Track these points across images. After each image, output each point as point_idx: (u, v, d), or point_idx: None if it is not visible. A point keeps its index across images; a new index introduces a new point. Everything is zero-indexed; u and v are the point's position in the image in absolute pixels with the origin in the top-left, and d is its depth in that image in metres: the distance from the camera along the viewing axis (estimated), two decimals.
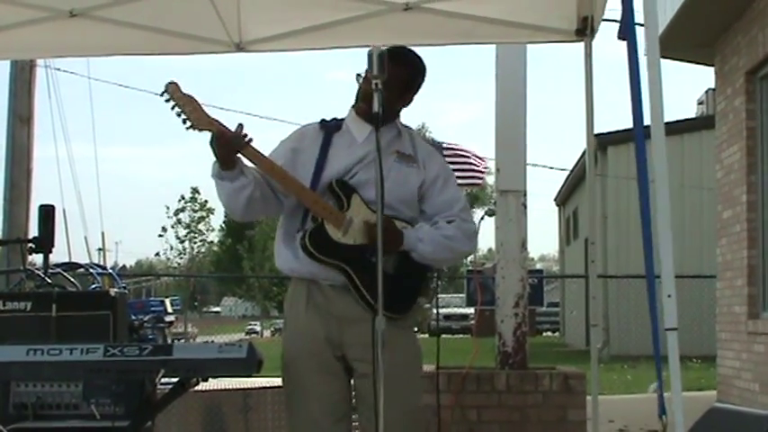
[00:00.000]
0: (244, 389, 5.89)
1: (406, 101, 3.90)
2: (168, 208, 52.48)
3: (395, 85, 3.67)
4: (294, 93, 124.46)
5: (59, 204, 5.97)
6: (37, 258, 4.79)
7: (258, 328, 50.51)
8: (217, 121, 3.70)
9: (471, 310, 23.73)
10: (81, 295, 4.41)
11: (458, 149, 8.16)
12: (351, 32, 5.31)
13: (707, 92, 25.41)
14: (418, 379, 3.90)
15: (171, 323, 6.28)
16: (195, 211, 53.14)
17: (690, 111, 33.78)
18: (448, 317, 33.25)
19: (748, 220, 9.37)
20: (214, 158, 3.70)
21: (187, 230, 52.01)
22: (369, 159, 3.71)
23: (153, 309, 6.42)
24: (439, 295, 3.94)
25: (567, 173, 28.95)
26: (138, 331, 4.58)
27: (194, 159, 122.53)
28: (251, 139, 3.68)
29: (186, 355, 3.24)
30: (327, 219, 3.70)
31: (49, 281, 4.52)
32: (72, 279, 4.71)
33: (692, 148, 21.85)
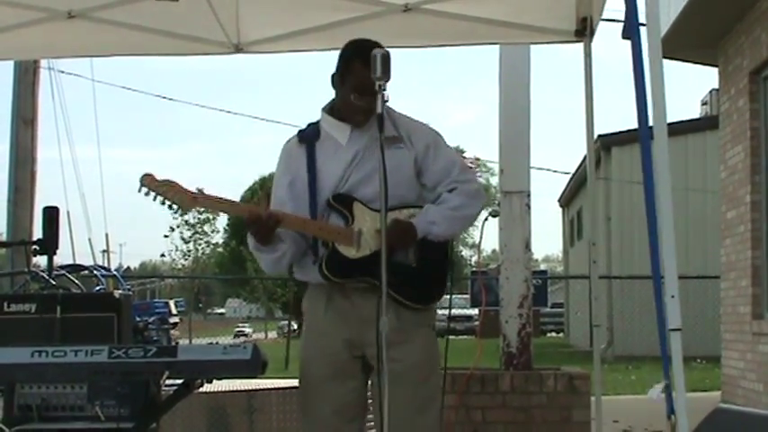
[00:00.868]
0: (248, 390, 5.90)
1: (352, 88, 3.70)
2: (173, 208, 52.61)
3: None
4: (294, 94, 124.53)
5: (63, 206, 5.99)
6: (41, 260, 4.80)
7: (248, 330, 49.63)
8: (201, 194, 3.64)
9: (475, 311, 23.71)
10: (85, 297, 4.41)
11: None
12: (350, 34, 5.28)
13: (710, 92, 25.40)
14: (437, 377, 3.89)
15: (175, 324, 6.27)
16: (200, 213, 53.21)
17: (694, 111, 33.78)
18: (452, 317, 33.19)
19: (752, 221, 9.37)
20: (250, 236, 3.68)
21: (192, 232, 52.09)
22: (358, 159, 3.70)
23: (157, 310, 6.41)
24: (445, 296, 3.93)
25: (570, 174, 28.94)
26: (143, 333, 4.58)
27: (197, 161, 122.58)
28: (281, 218, 3.62)
29: (191, 357, 3.25)
30: (337, 240, 3.68)
31: (54, 283, 4.52)
32: (76, 281, 4.71)
33: (696, 148, 21.84)
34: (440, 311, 4.03)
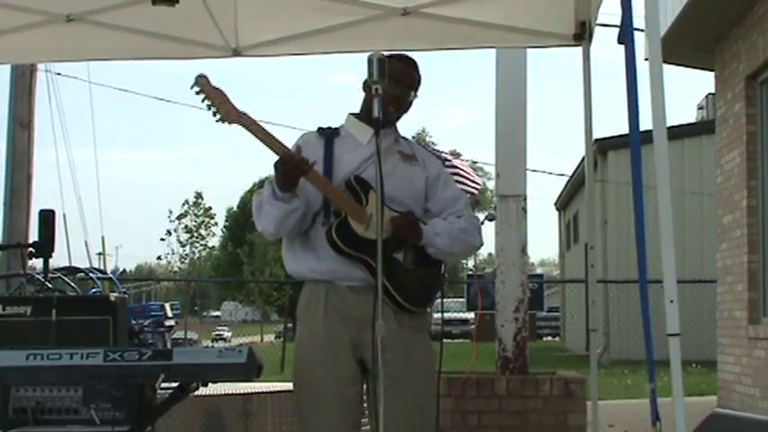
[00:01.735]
0: (244, 393, 5.89)
1: (409, 102, 3.91)
2: (171, 212, 52.53)
3: (408, 85, 3.81)
4: (294, 96, 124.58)
5: (59, 209, 5.98)
6: (37, 263, 4.80)
7: (227, 335, 49.06)
8: (245, 114, 3.66)
9: (471, 315, 23.72)
10: (81, 300, 4.40)
11: (455, 165, 8.09)
12: (349, 37, 5.31)
13: (707, 97, 25.40)
14: (433, 381, 3.89)
15: (171, 327, 6.27)
16: (198, 216, 53.20)
17: (690, 116, 33.81)
18: (448, 321, 33.23)
19: (748, 225, 9.37)
20: (274, 179, 3.66)
21: (189, 235, 52.08)
22: (375, 159, 3.72)
23: (153, 313, 6.41)
24: (440, 300, 3.96)
25: (566, 178, 28.96)
26: (138, 336, 4.58)
27: (194, 164, 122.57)
28: (314, 163, 3.66)
29: (186, 360, 3.24)
30: (351, 213, 3.70)
31: (50, 285, 4.52)
32: (72, 283, 4.71)
33: (693, 153, 21.85)
34: (435, 315, 4.05)
